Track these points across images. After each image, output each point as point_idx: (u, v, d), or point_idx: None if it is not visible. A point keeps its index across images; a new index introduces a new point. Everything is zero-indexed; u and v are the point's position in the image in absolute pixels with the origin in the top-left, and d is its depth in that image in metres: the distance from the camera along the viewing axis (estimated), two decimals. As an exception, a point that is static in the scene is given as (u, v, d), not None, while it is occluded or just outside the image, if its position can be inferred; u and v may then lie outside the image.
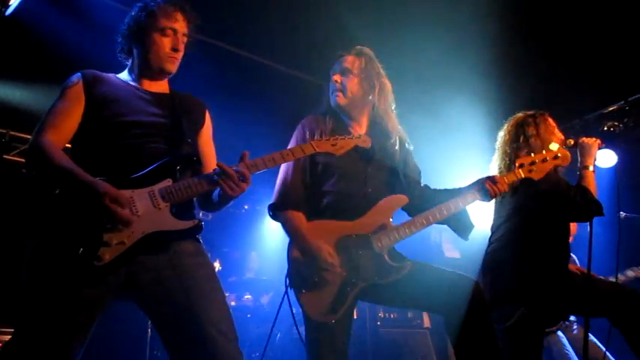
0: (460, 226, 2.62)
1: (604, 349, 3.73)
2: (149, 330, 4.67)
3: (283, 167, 2.63)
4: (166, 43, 2.22)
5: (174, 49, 2.23)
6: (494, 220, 3.34)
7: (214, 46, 4.65)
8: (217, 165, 2.04)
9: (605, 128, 5.60)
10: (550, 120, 3.28)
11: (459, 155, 5.53)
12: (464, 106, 5.17)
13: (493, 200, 2.69)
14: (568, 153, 2.85)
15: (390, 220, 2.52)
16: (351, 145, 2.33)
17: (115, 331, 4.41)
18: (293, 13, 4.37)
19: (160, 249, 1.99)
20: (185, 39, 2.28)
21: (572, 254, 4.36)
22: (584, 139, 3.21)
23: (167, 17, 2.22)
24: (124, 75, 2.32)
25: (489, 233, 3.35)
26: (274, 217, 2.61)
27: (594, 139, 3.20)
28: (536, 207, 3.10)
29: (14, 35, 4.34)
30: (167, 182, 2.03)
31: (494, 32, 4.47)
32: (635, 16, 4.37)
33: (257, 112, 5.33)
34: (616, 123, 5.59)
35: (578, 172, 3.17)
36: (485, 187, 2.57)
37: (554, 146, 2.83)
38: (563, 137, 3.25)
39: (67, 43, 4.20)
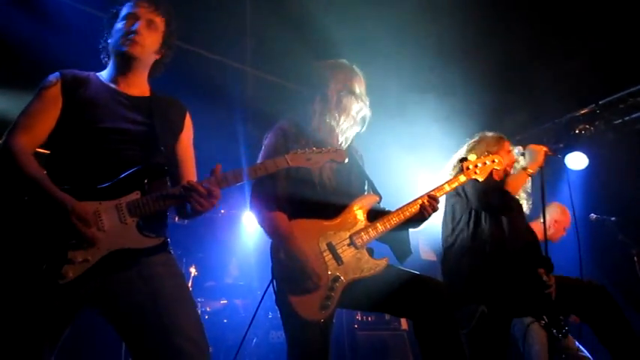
0: (399, 248, 2.71)
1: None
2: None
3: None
4: (125, 27, 2.21)
5: (131, 30, 2.18)
6: (445, 223, 3.48)
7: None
8: (187, 182, 2.02)
9: (577, 131, 5.71)
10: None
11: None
12: (433, 112, 5.22)
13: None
14: (502, 159, 2.96)
15: (366, 217, 2.62)
16: (326, 159, 2.32)
17: (90, 339, 4.33)
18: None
19: (127, 263, 1.94)
20: (152, 25, 2.23)
21: None
22: (532, 145, 3.40)
23: (128, 6, 2.24)
24: (105, 74, 2.27)
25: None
26: (256, 212, 2.58)
27: (542, 146, 3.38)
28: (473, 203, 3.30)
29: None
30: (135, 195, 1.98)
31: (464, 35, 4.53)
32: (607, 21, 4.47)
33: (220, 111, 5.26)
34: (587, 126, 5.70)
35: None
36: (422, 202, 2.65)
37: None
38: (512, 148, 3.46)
39: (38, 45, 4.11)
